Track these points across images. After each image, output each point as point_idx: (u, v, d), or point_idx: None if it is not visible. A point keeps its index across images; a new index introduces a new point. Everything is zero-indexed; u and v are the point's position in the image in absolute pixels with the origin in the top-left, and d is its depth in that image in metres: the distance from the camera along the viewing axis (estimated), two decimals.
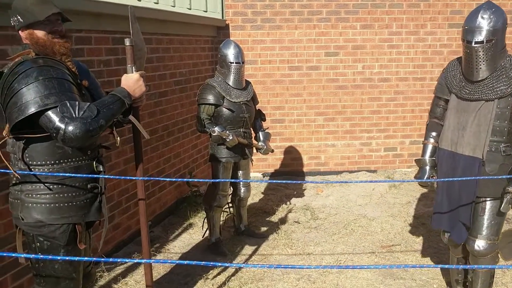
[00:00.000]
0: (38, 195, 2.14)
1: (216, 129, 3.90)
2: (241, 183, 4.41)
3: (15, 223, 2.24)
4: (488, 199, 2.92)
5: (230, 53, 4.07)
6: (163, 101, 4.98)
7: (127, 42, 2.34)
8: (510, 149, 2.88)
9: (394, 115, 6.69)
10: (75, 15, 3.36)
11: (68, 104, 2.02)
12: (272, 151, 4.48)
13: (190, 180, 2.61)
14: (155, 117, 4.80)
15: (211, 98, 4.02)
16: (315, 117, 6.61)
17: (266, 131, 4.50)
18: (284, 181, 2.40)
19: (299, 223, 4.95)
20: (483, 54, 2.77)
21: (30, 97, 1.99)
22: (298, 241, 4.48)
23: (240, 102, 4.12)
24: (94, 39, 3.77)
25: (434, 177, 3.18)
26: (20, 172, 2.11)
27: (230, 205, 4.54)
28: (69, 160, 2.17)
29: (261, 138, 4.42)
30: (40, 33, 2.12)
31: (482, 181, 2.89)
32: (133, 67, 2.33)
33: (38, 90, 2.00)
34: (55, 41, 2.15)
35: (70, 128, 1.98)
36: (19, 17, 2.11)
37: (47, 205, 2.15)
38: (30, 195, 2.15)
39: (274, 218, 5.08)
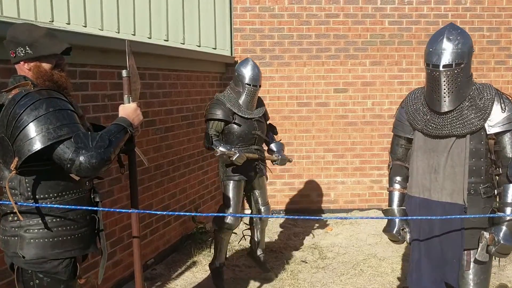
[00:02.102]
0: (40, 230, 2.08)
1: (220, 148, 3.71)
2: (260, 202, 4.20)
3: (12, 262, 2.15)
4: (473, 251, 2.52)
5: (248, 74, 3.90)
6: (169, 136, 4.96)
7: (124, 73, 2.38)
8: (490, 190, 2.53)
9: None
10: (80, 50, 3.41)
11: (81, 135, 2.00)
12: (290, 160, 4.26)
13: (192, 214, 2.54)
14: (161, 152, 4.77)
15: (220, 114, 3.85)
16: (324, 153, 6.52)
17: (280, 142, 4.33)
18: (291, 217, 2.29)
19: (307, 262, 4.78)
20: (451, 80, 2.40)
21: (43, 129, 1.95)
22: (304, 281, 4.31)
23: (252, 118, 3.99)
24: (99, 73, 3.80)
25: (405, 230, 2.74)
26: (21, 203, 2.05)
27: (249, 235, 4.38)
28: (71, 192, 2.15)
29: (274, 149, 4.24)
30: (47, 66, 2.14)
31: (468, 231, 2.52)
32: (130, 97, 2.36)
33: (50, 122, 1.96)
34: (62, 75, 2.17)
35: (86, 158, 1.96)
36: (28, 49, 2.10)
37: (50, 239, 2.09)
38: (31, 230, 2.08)
39: (281, 257, 4.92)
